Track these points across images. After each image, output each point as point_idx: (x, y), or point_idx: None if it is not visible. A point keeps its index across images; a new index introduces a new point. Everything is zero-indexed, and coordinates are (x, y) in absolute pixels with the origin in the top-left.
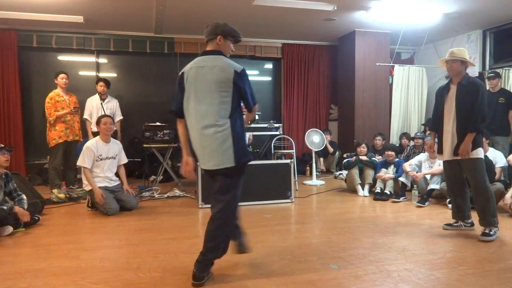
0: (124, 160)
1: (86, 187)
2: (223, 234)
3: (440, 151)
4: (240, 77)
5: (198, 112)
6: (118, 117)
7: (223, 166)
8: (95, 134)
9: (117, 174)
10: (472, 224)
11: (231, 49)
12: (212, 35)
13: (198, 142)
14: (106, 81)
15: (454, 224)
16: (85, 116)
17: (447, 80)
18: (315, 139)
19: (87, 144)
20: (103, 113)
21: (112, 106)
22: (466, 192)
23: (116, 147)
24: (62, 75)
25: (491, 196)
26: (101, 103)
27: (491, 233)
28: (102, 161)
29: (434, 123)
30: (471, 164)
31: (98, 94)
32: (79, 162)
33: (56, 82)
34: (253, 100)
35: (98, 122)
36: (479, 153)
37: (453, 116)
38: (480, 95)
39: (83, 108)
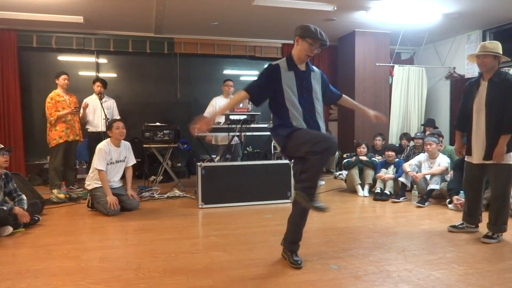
0: (132, 161)
1: (89, 186)
2: None
3: (469, 152)
4: None
5: None
6: (116, 117)
7: None
8: (98, 134)
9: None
10: (476, 226)
11: (306, 50)
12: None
13: None
14: (103, 81)
15: (459, 225)
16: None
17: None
18: None
19: (100, 146)
20: (104, 114)
21: (109, 105)
22: (481, 197)
23: (125, 150)
24: (64, 76)
25: (508, 205)
26: (101, 103)
27: (494, 236)
28: (112, 165)
29: (460, 122)
30: (498, 170)
31: (96, 95)
32: (96, 165)
33: (57, 82)
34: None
35: (110, 127)
36: (509, 158)
37: (483, 115)
38: None
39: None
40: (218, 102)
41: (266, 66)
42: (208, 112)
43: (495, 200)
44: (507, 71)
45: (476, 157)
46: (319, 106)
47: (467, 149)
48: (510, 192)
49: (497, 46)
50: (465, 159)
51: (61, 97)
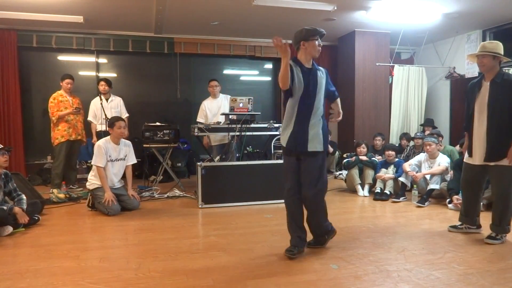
0: (133, 160)
1: (90, 186)
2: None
3: (470, 153)
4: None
5: None
6: (124, 115)
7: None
8: (99, 133)
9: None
10: (478, 227)
11: (315, 47)
12: (296, 44)
13: None
14: (107, 81)
15: (459, 226)
16: (90, 118)
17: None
18: None
19: (99, 143)
20: (104, 114)
21: (115, 105)
22: (480, 197)
23: (126, 148)
24: (67, 80)
25: (511, 205)
26: (101, 103)
27: (498, 237)
28: (112, 163)
29: (467, 123)
30: (502, 171)
31: (101, 94)
32: (94, 162)
33: (61, 84)
34: None
35: (111, 125)
36: None
37: (485, 116)
38: None
39: (85, 109)
40: (207, 105)
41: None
42: (200, 118)
43: (499, 201)
44: (507, 71)
45: (478, 158)
46: (321, 105)
47: (468, 150)
48: None
49: (497, 46)
50: (464, 159)
51: (64, 98)
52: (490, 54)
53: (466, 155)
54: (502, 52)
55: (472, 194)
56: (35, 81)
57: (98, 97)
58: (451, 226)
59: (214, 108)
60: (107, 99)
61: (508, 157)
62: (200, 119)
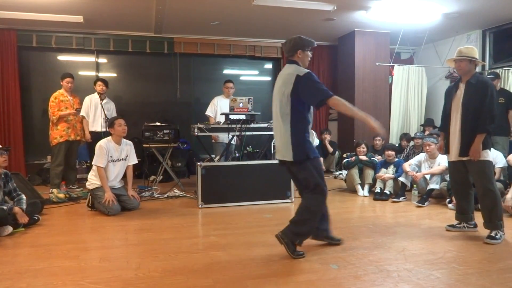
0: (134, 160)
1: (90, 185)
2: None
3: (447, 151)
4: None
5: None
6: None
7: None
8: (99, 135)
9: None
10: (475, 225)
11: (308, 58)
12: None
13: None
14: (105, 81)
15: (457, 225)
16: (83, 113)
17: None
18: None
19: (100, 143)
20: (103, 113)
21: (109, 107)
22: (470, 194)
23: (127, 147)
24: (67, 79)
25: (498, 200)
26: (101, 103)
27: (497, 236)
28: (113, 163)
29: (442, 123)
30: (479, 167)
31: (98, 94)
32: (94, 162)
33: (61, 83)
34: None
35: (111, 124)
36: (486, 155)
37: (459, 115)
38: (489, 94)
39: None
40: (219, 102)
41: (308, 71)
42: (210, 111)
43: (483, 197)
44: (507, 70)
45: (453, 154)
46: None
47: (445, 148)
48: (496, 187)
49: (472, 51)
50: (447, 159)
51: (65, 97)
52: (466, 58)
53: (445, 153)
54: (477, 56)
55: (462, 191)
56: (35, 81)
57: (95, 95)
58: (449, 225)
59: (224, 108)
60: (102, 100)
61: (470, 152)
62: (210, 113)
